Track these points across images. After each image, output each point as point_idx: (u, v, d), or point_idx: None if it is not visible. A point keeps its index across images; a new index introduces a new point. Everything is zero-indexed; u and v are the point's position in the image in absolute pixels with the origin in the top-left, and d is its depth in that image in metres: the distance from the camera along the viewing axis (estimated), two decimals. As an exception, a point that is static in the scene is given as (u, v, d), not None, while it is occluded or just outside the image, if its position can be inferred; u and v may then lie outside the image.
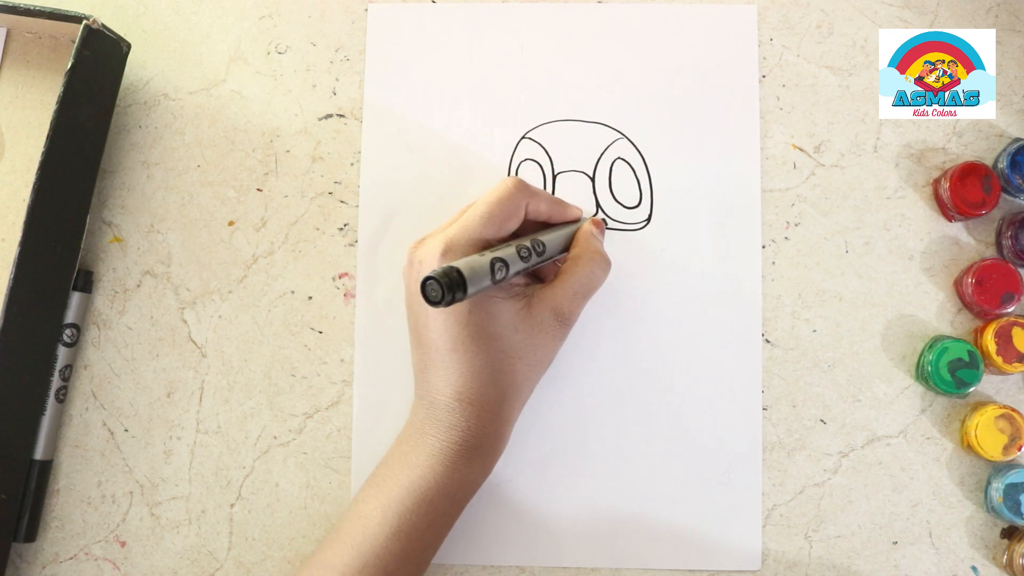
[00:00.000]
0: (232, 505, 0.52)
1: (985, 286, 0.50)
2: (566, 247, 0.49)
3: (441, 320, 0.45)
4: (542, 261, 0.47)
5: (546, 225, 0.49)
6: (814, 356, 0.52)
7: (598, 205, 0.54)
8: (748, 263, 0.53)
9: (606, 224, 0.53)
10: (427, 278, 0.40)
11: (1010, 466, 0.50)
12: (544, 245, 0.47)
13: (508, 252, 0.44)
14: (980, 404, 0.51)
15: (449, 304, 0.40)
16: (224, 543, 0.52)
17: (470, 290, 0.40)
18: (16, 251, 0.47)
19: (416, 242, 0.47)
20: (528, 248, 0.45)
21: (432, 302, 0.40)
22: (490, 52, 0.55)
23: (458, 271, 0.40)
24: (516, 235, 0.48)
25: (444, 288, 0.39)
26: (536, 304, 0.46)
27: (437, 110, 0.55)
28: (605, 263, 0.48)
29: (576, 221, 0.50)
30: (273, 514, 0.52)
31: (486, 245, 0.45)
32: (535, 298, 0.47)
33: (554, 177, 0.54)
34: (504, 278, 0.43)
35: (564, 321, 0.47)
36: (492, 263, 0.42)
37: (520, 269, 0.45)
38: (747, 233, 0.53)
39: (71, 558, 0.52)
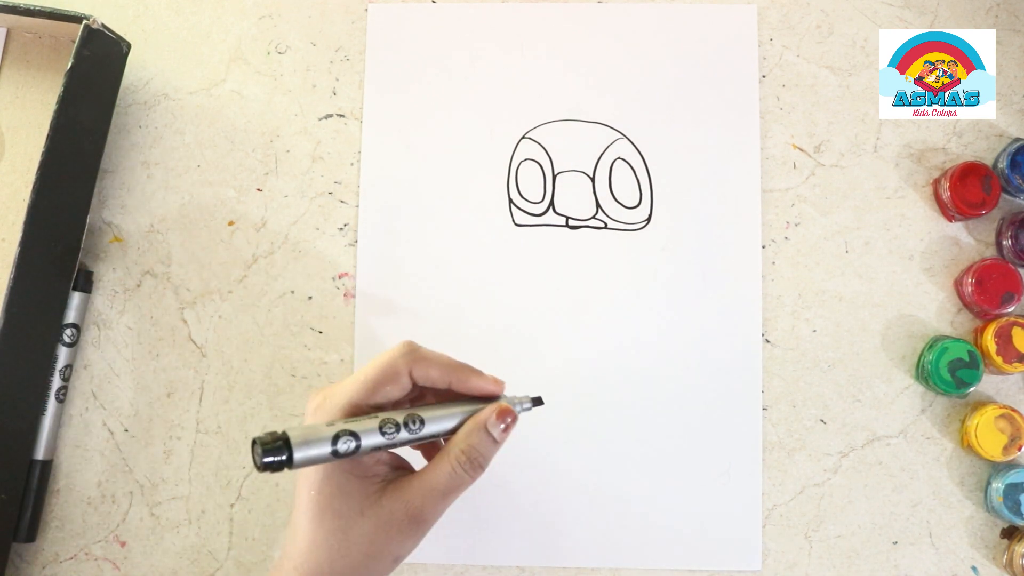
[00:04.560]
0: (232, 505, 0.52)
1: (985, 286, 0.50)
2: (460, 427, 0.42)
3: (303, 481, 0.41)
4: (418, 439, 0.41)
5: (454, 395, 0.43)
6: (814, 356, 0.52)
7: (598, 205, 0.54)
8: (748, 263, 0.53)
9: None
10: (253, 440, 0.38)
11: (1010, 466, 0.50)
12: (422, 421, 0.41)
13: (367, 425, 0.40)
14: (980, 404, 0.51)
15: (276, 470, 0.37)
16: (224, 543, 0.52)
17: (297, 457, 0.38)
18: (16, 251, 0.47)
19: (316, 390, 0.44)
20: (397, 423, 0.40)
21: (257, 466, 0.37)
22: (490, 52, 0.55)
23: (285, 437, 0.37)
24: (414, 401, 0.43)
25: (261, 453, 0.37)
26: (390, 492, 0.41)
27: (437, 110, 0.55)
28: (474, 466, 0.41)
29: (491, 398, 0.43)
30: (273, 514, 0.52)
31: (359, 410, 0.41)
32: (392, 485, 0.41)
33: (554, 177, 0.54)
34: (353, 452, 0.39)
35: (415, 519, 0.41)
36: (336, 435, 0.39)
37: (381, 444, 0.40)
38: (747, 233, 0.53)
39: (71, 558, 0.52)
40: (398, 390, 0.42)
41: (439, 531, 0.51)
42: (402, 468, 0.43)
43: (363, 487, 0.41)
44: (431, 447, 0.44)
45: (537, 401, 0.44)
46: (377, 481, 0.42)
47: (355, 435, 0.39)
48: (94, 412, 0.53)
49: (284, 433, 0.38)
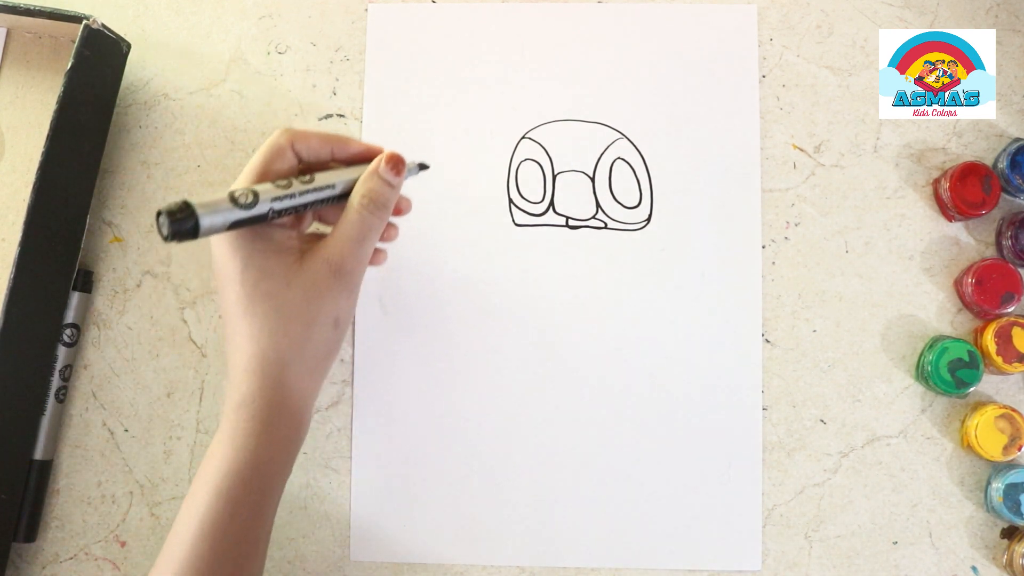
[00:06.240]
0: (232, 505, 0.52)
1: (985, 286, 0.50)
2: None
3: (226, 282, 0.43)
4: (314, 190, 0.43)
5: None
6: (814, 356, 0.52)
7: (598, 205, 0.54)
8: (748, 263, 0.53)
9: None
10: (157, 212, 0.38)
11: (1010, 466, 0.50)
12: (313, 177, 0.43)
13: (263, 185, 0.41)
14: (980, 404, 0.51)
15: (183, 237, 0.38)
16: (224, 543, 0.52)
17: (204, 220, 0.38)
18: (16, 251, 0.47)
19: None
20: (289, 179, 0.42)
21: (164, 236, 0.38)
22: (490, 52, 0.55)
23: (186, 202, 0.38)
24: None
25: (170, 216, 0.37)
26: (309, 255, 0.43)
27: (437, 110, 0.55)
28: (377, 206, 0.44)
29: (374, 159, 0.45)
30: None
31: None
32: (309, 251, 0.43)
33: (554, 177, 0.54)
34: (252, 202, 0.40)
35: (338, 271, 0.43)
36: (232, 193, 0.40)
37: (280, 195, 0.41)
38: (747, 233, 0.53)
39: (71, 558, 0.52)
40: (285, 164, 0.43)
41: (439, 531, 0.51)
42: (314, 240, 0.45)
43: (283, 260, 0.43)
44: (336, 216, 0.45)
45: (423, 166, 0.47)
46: (294, 252, 0.43)
47: (254, 192, 0.41)
48: (94, 412, 0.53)
49: (184, 200, 0.38)
